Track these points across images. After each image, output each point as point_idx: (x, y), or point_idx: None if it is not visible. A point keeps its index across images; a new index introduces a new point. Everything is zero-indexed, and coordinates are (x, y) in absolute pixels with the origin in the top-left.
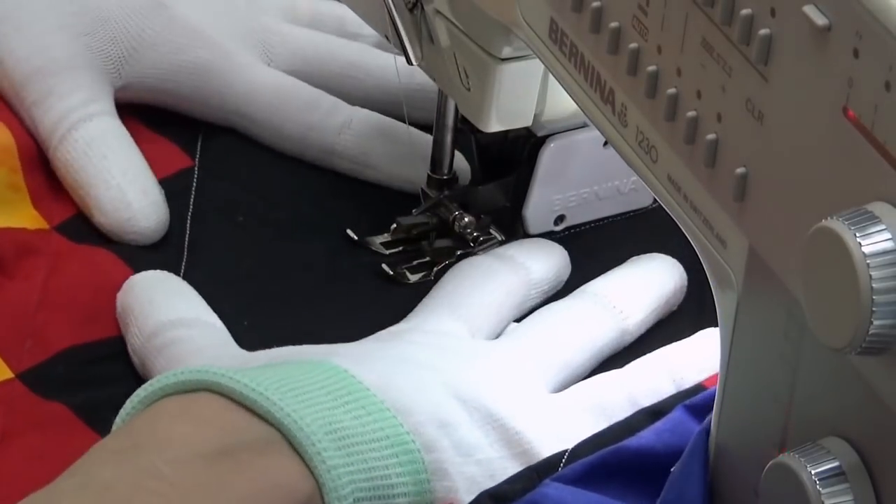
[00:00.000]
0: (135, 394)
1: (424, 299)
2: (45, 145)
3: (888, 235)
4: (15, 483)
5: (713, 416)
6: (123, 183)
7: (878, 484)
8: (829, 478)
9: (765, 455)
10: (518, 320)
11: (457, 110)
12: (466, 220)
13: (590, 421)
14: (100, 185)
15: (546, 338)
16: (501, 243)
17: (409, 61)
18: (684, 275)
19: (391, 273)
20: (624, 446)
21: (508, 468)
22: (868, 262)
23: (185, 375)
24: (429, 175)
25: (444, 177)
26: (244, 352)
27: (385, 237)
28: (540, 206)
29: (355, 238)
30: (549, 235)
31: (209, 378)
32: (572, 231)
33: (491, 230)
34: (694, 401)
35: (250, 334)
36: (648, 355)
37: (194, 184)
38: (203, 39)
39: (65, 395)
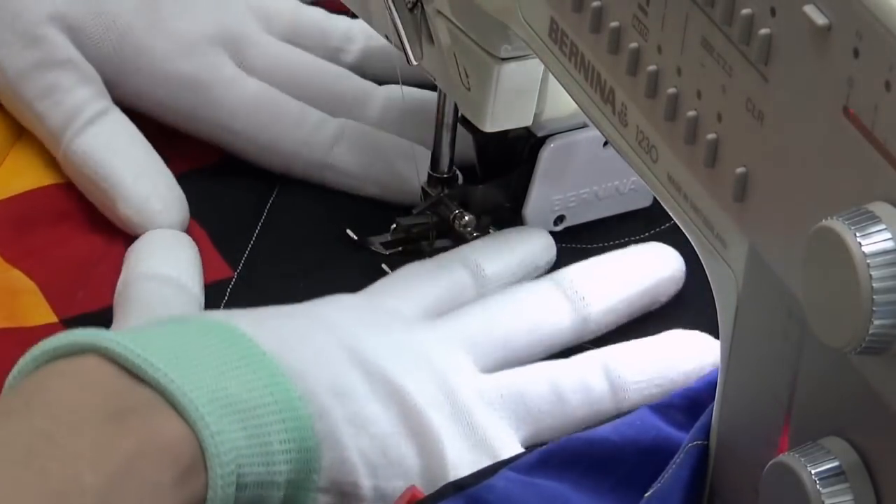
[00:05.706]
0: (28, 352)
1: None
2: (56, 139)
3: (888, 235)
4: None
5: (713, 415)
6: (152, 174)
7: (878, 484)
8: (829, 478)
9: (765, 455)
10: None
11: (456, 109)
12: (466, 219)
13: (504, 407)
14: (126, 175)
15: (484, 316)
16: None
17: (409, 61)
18: (680, 265)
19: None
20: (578, 436)
21: (402, 445)
22: (868, 262)
23: (74, 338)
24: (429, 174)
25: (444, 175)
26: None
27: (385, 237)
28: (539, 206)
29: (355, 238)
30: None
31: (97, 342)
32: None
33: (490, 230)
34: (656, 401)
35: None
36: (593, 350)
37: None
38: (189, 48)
39: None
